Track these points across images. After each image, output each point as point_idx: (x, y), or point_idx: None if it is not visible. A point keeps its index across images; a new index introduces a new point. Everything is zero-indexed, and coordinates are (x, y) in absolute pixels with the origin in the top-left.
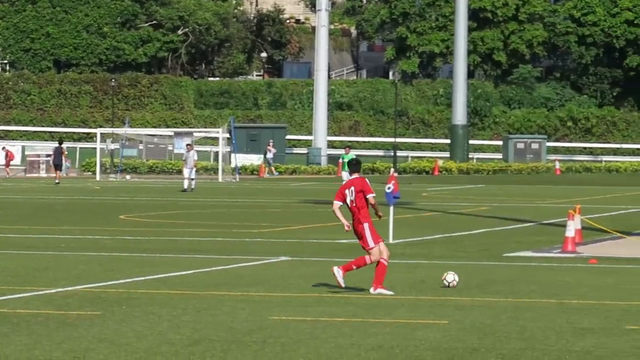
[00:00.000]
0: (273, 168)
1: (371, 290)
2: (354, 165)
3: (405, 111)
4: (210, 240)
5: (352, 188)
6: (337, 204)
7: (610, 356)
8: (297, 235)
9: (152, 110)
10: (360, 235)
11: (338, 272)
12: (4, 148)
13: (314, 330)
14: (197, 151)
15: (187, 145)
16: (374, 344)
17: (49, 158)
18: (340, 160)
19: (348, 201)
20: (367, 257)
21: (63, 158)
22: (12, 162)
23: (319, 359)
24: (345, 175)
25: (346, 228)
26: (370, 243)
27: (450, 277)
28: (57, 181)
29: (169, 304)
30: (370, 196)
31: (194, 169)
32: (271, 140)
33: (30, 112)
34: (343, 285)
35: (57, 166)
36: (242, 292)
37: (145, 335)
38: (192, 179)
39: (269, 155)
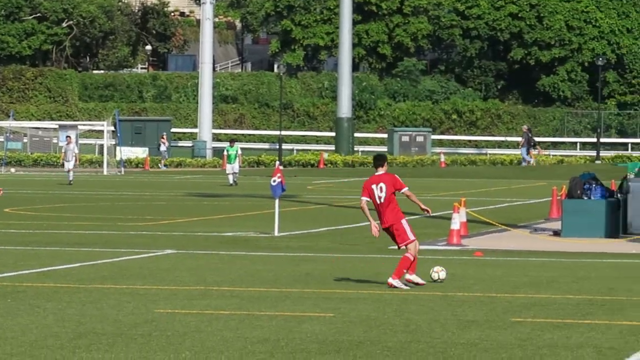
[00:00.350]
0: (164, 161)
1: (390, 280)
2: (380, 159)
3: (291, 104)
4: (96, 233)
5: (382, 185)
6: (364, 199)
7: (495, 348)
8: (182, 229)
9: (37, 103)
10: (395, 233)
11: (398, 282)
12: None
13: (200, 324)
14: (83, 144)
15: (67, 137)
16: (260, 337)
17: None
18: (225, 153)
19: (376, 197)
20: (407, 254)
21: None
22: None
23: (205, 352)
24: (229, 167)
25: (375, 232)
26: (410, 236)
27: (443, 274)
28: None
29: (55, 298)
30: (405, 190)
31: (74, 161)
32: (164, 133)
33: None
34: (423, 282)
35: None
36: (128, 285)
37: (31, 328)
38: (69, 171)
39: (162, 148)
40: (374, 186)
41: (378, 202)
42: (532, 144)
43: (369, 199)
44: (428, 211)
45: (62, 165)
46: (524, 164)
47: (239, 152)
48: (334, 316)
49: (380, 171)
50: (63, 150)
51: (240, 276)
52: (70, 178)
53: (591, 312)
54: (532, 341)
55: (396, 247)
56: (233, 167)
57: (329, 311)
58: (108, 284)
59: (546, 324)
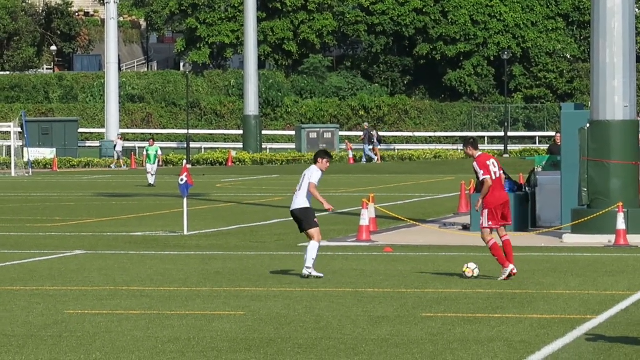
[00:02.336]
0: (122, 161)
1: (511, 267)
2: (474, 142)
3: (198, 102)
4: (4, 235)
5: (493, 161)
6: (488, 178)
7: (406, 344)
8: (91, 229)
9: None
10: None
11: (505, 271)
12: None
13: (110, 324)
14: None
15: None
16: (171, 336)
17: None
18: (145, 153)
19: (492, 173)
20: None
21: None
22: None
23: (116, 352)
24: (150, 167)
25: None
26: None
27: (477, 272)
28: None
29: None
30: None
31: None
32: (119, 133)
33: None
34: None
35: None
36: (37, 286)
37: None
38: None
39: (118, 148)
40: (488, 162)
41: (495, 178)
42: (373, 140)
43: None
44: None
45: None
46: (364, 160)
47: (159, 152)
48: (245, 314)
49: (479, 153)
50: None
51: (150, 276)
52: None
53: (502, 305)
54: (443, 336)
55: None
56: (153, 167)
57: (239, 309)
58: (17, 285)
59: (457, 319)
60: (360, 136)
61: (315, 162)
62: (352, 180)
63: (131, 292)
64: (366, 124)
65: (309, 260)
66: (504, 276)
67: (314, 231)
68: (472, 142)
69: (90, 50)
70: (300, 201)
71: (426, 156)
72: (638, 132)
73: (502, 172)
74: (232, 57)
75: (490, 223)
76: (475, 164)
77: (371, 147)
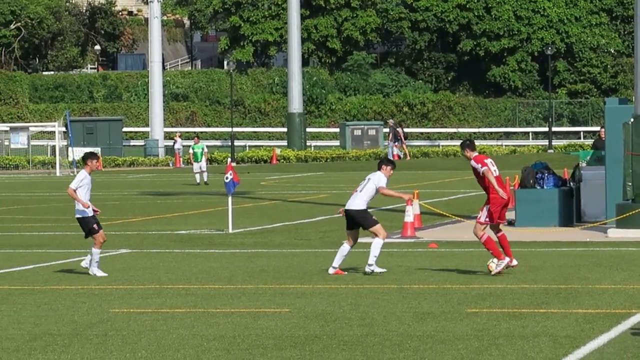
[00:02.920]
0: (181, 159)
1: (507, 260)
2: (472, 143)
3: (242, 101)
4: (49, 234)
5: (490, 160)
6: (486, 169)
7: (451, 340)
8: (136, 228)
9: None
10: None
11: (501, 263)
12: None
13: (155, 322)
14: (35, 145)
15: None
16: (216, 334)
17: None
18: (191, 151)
19: (492, 171)
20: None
21: None
22: None
23: (161, 350)
24: (196, 166)
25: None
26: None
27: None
28: None
29: (9, 300)
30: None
31: None
32: (178, 132)
33: None
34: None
35: None
36: (83, 285)
37: None
38: None
39: (177, 146)
40: (487, 161)
41: (498, 176)
42: (399, 137)
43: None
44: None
45: (17, 167)
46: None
47: (205, 149)
48: (290, 311)
49: (476, 153)
50: None
51: (195, 274)
52: None
53: (546, 301)
54: (488, 331)
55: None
56: (200, 166)
57: (284, 306)
58: (63, 285)
59: (502, 314)
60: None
61: (379, 168)
62: (396, 177)
63: (176, 290)
64: (391, 120)
65: (371, 257)
66: (500, 268)
67: (378, 228)
68: (469, 144)
69: (134, 50)
70: (358, 202)
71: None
72: None
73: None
74: (276, 55)
75: (487, 219)
76: (472, 162)
77: (397, 143)
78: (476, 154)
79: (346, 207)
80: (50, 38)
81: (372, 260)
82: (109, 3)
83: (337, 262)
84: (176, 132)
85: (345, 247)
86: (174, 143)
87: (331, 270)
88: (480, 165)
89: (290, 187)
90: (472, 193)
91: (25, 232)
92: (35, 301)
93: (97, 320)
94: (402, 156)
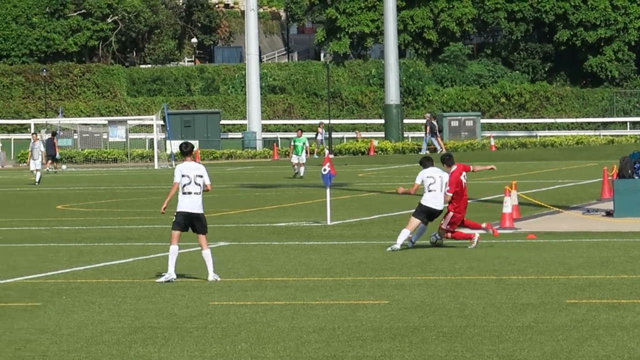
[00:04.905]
0: (318, 150)
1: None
2: (449, 158)
3: (339, 93)
4: (148, 227)
5: (464, 174)
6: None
7: (551, 330)
8: (235, 220)
9: (85, 99)
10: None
11: (473, 240)
12: None
13: (255, 315)
14: (133, 139)
15: (33, 134)
16: (315, 326)
17: None
18: (292, 144)
19: (463, 185)
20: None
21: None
22: None
23: (261, 343)
24: (295, 158)
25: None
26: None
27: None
28: (54, 170)
29: (109, 293)
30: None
31: (38, 160)
32: (322, 122)
33: None
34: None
35: (52, 157)
36: (182, 278)
37: (86, 324)
38: (38, 170)
39: (319, 137)
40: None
41: (464, 189)
42: (435, 130)
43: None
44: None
45: (116, 160)
46: (423, 151)
47: (307, 143)
48: (389, 303)
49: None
50: (30, 149)
51: (294, 266)
52: (37, 178)
53: None
54: (588, 322)
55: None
56: (299, 159)
57: (383, 298)
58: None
59: (601, 305)
60: (423, 124)
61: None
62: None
63: (275, 282)
64: (428, 114)
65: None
66: (474, 244)
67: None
68: (447, 159)
69: (231, 42)
70: (442, 202)
71: (568, 142)
72: None
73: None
74: (373, 46)
75: (449, 227)
76: (449, 177)
77: (434, 137)
78: (454, 167)
79: (432, 206)
80: (147, 31)
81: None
82: None
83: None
84: (320, 123)
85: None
86: (317, 135)
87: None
88: (448, 189)
89: (388, 179)
90: (570, 183)
91: (124, 225)
92: (135, 294)
93: (196, 313)
94: (438, 149)
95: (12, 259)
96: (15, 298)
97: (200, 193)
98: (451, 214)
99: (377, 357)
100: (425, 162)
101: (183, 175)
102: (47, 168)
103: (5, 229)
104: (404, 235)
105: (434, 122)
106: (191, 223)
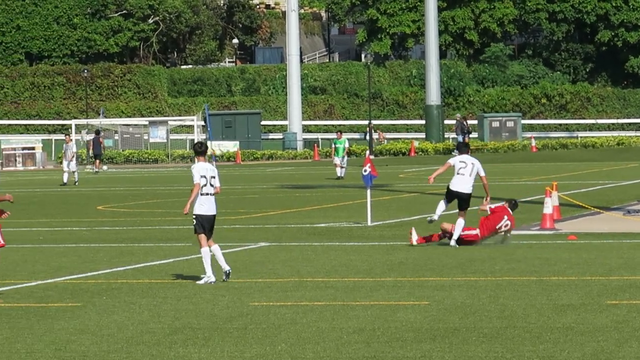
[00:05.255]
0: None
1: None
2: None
3: (380, 93)
4: (189, 228)
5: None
6: None
7: (591, 332)
8: (275, 221)
9: (126, 100)
10: None
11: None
12: None
13: (295, 315)
14: (173, 139)
15: (66, 136)
16: (356, 327)
17: (25, 151)
18: (333, 145)
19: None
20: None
21: (101, 147)
22: None
23: (301, 343)
24: (337, 160)
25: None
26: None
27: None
28: (95, 170)
29: (149, 294)
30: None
31: (74, 161)
32: (371, 122)
33: (4, 105)
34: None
35: (97, 156)
36: (222, 278)
37: (127, 325)
38: (74, 172)
39: (375, 136)
40: None
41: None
42: (465, 131)
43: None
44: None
45: (157, 161)
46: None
47: (346, 144)
48: (429, 304)
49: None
50: (63, 150)
51: (334, 267)
52: (69, 179)
53: None
54: (629, 323)
55: None
56: (340, 160)
57: (423, 299)
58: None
59: None
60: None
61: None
62: (534, 169)
63: (315, 283)
64: (458, 115)
65: (456, 234)
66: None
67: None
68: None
69: (272, 43)
70: (470, 186)
71: (609, 143)
72: None
73: None
74: (413, 47)
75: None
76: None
77: (464, 137)
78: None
79: (458, 190)
80: (188, 32)
81: (456, 236)
82: None
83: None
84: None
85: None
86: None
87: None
88: None
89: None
90: (610, 184)
91: (164, 225)
92: (175, 295)
93: (236, 313)
94: None
95: (53, 260)
96: (56, 298)
97: (214, 194)
98: (470, 232)
99: (417, 358)
100: (462, 148)
101: (202, 176)
102: (97, 169)
103: (47, 229)
104: (441, 207)
105: (465, 123)
106: (208, 224)
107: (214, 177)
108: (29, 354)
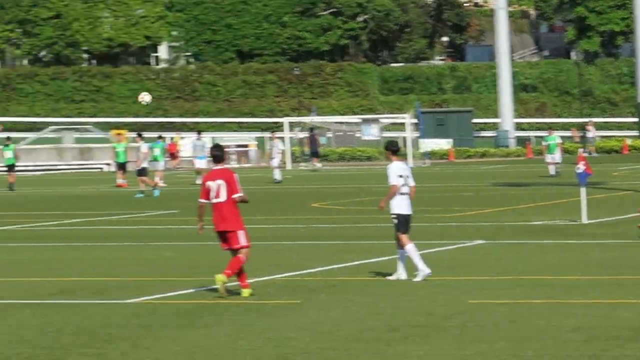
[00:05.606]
0: (593, 148)
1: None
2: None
3: (591, 91)
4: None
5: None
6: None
7: None
8: (490, 219)
9: (338, 97)
10: None
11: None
12: (172, 139)
13: (512, 313)
14: (386, 137)
15: (272, 132)
16: (573, 326)
17: (239, 149)
18: (544, 143)
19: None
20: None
21: (318, 145)
22: (180, 155)
23: (520, 341)
24: (549, 157)
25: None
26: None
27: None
28: (314, 167)
29: (366, 291)
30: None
31: (279, 159)
32: (590, 120)
33: (217, 103)
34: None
35: (314, 153)
36: (439, 276)
37: (345, 322)
38: (274, 168)
39: (589, 135)
40: None
41: None
42: (584, 135)
43: None
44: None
45: (370, 159)
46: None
47: (558, 140)
48: None
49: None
50: (268, 148)
51: (550, 265)
52: (278, 177)
53: None
54: None
55: None
56: (554, 157)
57: None
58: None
59: None
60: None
61: None
62: None
63: (531, 281)
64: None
65: None
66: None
67: None
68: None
69: (481, 41)
70: None
71: None
72: None
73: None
74: (623, 44)
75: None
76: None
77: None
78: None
79: None
80: (397, 30)
81: None
82: None
83: None
84: (588, 122)
85: None
86: (585, 132)
87: None
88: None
89: None
90: None
91: (379, 223)
92: (392, 292)
93: (454, 311)
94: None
95: (271, 257)
96: (274, 295)
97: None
98: None
99: (636, 356)
100: None
101: (399, 176)
102: (315, 164)
103: (262, 226)
104: None
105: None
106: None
107: (408, 177)
108: (251, 350)
